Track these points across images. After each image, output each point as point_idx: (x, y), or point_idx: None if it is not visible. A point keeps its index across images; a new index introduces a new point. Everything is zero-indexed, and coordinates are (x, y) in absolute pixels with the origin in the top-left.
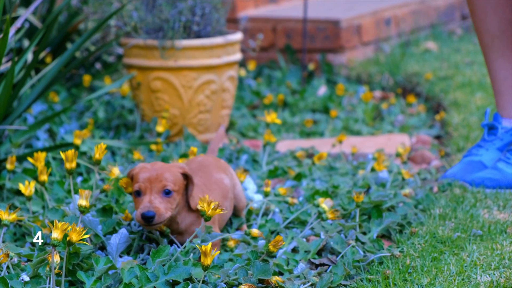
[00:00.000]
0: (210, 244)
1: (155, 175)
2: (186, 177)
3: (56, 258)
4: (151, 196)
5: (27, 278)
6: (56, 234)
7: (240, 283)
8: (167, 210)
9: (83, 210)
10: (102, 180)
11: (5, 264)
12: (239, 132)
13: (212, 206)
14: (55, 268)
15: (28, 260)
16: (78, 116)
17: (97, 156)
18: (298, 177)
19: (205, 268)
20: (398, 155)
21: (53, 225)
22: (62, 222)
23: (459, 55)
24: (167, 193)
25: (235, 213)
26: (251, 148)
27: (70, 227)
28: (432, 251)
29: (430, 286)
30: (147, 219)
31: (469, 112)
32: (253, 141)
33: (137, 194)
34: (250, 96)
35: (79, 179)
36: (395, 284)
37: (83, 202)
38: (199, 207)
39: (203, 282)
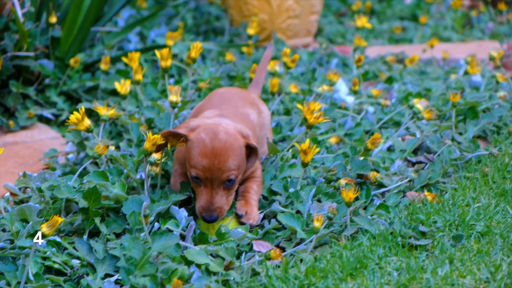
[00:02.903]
0: (308, 140)
1: (217, 164)
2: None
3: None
4: (212, 191)
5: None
6: (174, 98)
7: (338, 178)
8: (228, 203)
9: (174, 106)
10: (194, 82)
11: (105, 157)
12: (326, 38)
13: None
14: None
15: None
16: (166, 21)
17: (192, 54)
18: (389, 80)
19: (305, 165)
20: (491, 58)
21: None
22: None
23: None
24: (230, 180)
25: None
26: (340, 53)
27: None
28: None
29: None
30: (209, 221)
31: None
32: (341, 47)
33: (195, 179)
34: (337, 4)
35: (171, 80)
36: (494, 182)
37: (174, 98)
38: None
39: (303, 179)
